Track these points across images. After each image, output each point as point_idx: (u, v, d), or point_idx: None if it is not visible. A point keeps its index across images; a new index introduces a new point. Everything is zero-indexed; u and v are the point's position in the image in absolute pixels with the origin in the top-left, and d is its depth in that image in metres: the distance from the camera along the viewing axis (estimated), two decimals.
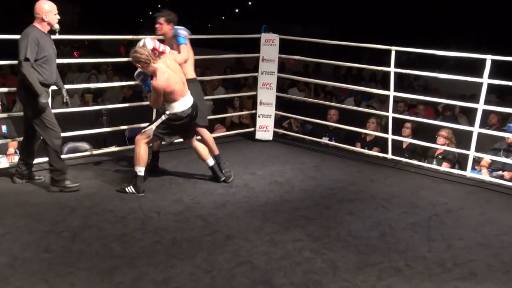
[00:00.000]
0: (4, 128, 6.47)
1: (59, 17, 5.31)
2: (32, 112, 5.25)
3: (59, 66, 5.63)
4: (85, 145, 7.40)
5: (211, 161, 5.76)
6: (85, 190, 5.49)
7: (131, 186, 5.43)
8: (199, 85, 6.06)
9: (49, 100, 6.00)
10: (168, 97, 5.27)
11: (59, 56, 5.59)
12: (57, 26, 5.28)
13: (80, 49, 19.06)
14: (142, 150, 5.41)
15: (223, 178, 5.84)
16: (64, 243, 4.34)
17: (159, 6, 37.24)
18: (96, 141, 7.60)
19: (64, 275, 3.87)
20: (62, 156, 6.48)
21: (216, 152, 5.97)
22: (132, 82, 6.92)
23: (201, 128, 5.92)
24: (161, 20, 5.83)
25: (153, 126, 5.43)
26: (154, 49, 5.70)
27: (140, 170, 5.42)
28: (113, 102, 9.83)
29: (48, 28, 5.27)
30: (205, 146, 5.78)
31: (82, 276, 3.87)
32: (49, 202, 5.15)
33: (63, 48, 18.13)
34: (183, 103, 5.34)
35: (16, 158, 6.36)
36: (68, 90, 5.61)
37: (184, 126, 5.48)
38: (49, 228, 4.59)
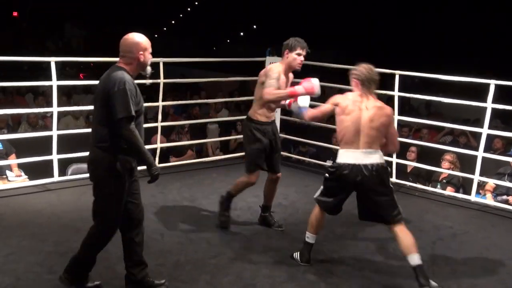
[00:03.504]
0: None
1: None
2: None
3: (65, 88, 5.61)
4: None
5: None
6: (89, 211, 5.48)
7: (298, 253, 4.71)
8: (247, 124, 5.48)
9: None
10: (338, 133, 4.46)
11: (65, 77, 5.56)
12: (149, 69, 3.84)
13: (86, 70, 19.21)
14: (313, 214, 4.64)
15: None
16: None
17: (164, 29, 37.75)
18: None
19: None
20: (67, 177, 6.54)
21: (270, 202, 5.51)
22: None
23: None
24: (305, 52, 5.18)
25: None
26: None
27: (308, 236, 4.64)
28: None
29: (137, 72, 3.82)
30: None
31: None
32: (53, 223, 5.15)
33: (69, 70, 18.35)
34: (348, 155, 4.31)
35: (22, 174, 6.39)
36: (74, 112, 5.63)
37: (341, 188, 4.40)
38: (53, 248, 4.59)
